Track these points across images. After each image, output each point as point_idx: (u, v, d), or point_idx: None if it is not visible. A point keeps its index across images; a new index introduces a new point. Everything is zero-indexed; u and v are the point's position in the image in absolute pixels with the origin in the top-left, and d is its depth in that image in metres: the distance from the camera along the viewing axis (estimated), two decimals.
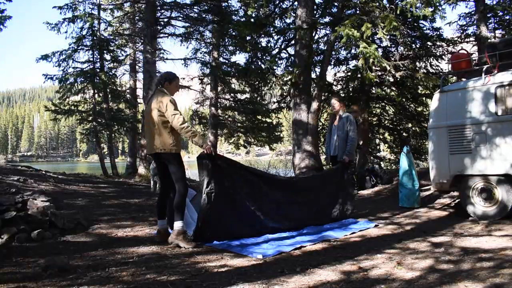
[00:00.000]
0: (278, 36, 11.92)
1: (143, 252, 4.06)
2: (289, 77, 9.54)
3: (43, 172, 10.90)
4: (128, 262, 3.67)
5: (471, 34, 13.61)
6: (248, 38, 11.45)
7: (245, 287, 3.00)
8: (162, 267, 3.51)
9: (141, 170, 12.75)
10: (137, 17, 15.41)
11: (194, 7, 13.62)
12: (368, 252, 3.94)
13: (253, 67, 12.19)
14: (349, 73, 11.82)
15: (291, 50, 11.90)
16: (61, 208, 5.71)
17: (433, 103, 6.10)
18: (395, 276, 3.13)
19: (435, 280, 3.01)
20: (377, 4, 8.81)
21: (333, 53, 11.32)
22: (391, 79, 11.39)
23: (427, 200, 7.28)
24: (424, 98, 12.28)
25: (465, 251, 3.82)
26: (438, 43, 11.82)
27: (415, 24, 10.98)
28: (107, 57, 15.45)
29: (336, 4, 10.80)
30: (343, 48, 9.69)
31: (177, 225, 4.27)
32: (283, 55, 12.33)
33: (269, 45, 12.25)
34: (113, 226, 5.37)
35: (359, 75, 10.75)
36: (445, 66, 11.91)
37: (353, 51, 10.91)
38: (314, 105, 9.71)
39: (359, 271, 3.34)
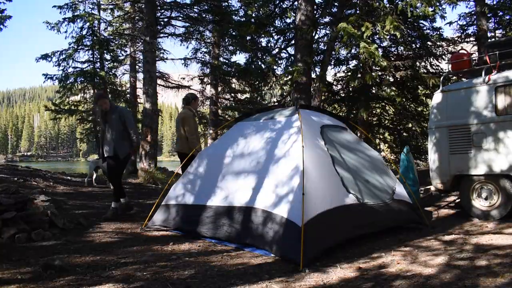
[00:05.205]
0: (278, 36, 11.92)
1: (143, 252, 4.06)
2: (289, 77, 9.53)
3: (43, 172, 10.90)
4: (127, 262, 3.67)
5: (471, 34, 13.61)
6: (248, 38, 11.44)
7: (245, 287, 3.00)
8: (162, 267, 3.51)
9: (142, 169, 12.73)
10: (137, 17, 15.41)
11: (194, 7, 13.60)
12: (376, 251, 3.96)
13: (253, 67, 12.19)
14: (349, 73, 11.81)
15: (291, 50, 11.90)
16: (61, 208, 5.71)
17: (433, 103, 6.10)
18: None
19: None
20: (378, 4, 8.81)
21: (333, 53, 11.32)
22: (391, 79, 11.39)
23: (427, 200, 7.27)
24: (424, 98, 12.28)
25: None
26: (438, 43, 11.82)
27: (415, 24, 10.98)
28: (107, 57, 15.45)
29: (336, 4, 10.80)
30: (343, 48, 9.67)
31: None
32: (283, 55, 12.34)
33: (269, 45, 12.26)
34: (113, 226, 5.37)
35: (359, 75, 10.74)
36: (445, 66, 11.90)
37: (353, 51, 10.90)
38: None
39: (362, 270, 3.34)
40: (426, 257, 3.63)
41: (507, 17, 13.35)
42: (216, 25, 13.57)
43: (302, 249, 3.47)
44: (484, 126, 5.43)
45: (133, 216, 6.15)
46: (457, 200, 6.63)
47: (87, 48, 14.83)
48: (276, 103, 13.86)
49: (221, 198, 4.64)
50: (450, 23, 13.95)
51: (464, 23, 13.91)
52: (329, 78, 12.82)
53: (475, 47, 12.91)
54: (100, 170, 10.27)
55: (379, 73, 10.90)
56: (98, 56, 15.04)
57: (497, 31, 14.16)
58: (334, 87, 13.15)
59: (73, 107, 15.32)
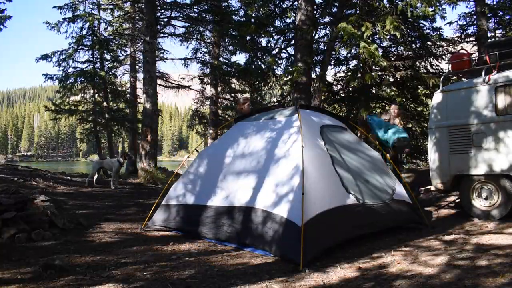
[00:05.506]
0: (278, 36, 11.91)
1: (143, 252, 4.06)
2: (289, 77, 9.53)
3: (43, 172, 10.90)
4: (127, 262, 3.67)
5: (471, 34, 13.60)
6: (248, 38, 11.44)
7: (245, 287, 3.00)
8: (162, 267, 3.51)
9: (142, 169, 12.74)
10: (137, 17, 15.42)
11: (194, 7, 13.61)
12: (375, 251, 3.96)
13: (253, 67, 12.18)
14: (349, 73, 11.81)
15: (291, 50, 11.89)
16: (61, 208, 5.71)
17: (433, 103, 6.10)
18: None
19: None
20: (378, 4, 8.81)
21: (333, 53, 11.31)
22: (391, 79, 11.39)
23: (427, 200, 7.27)
24: (424, 98, 12.27)
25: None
26: (438, 43, 11.81)
27: (415, 24, 10.98)
28: (107, 57, 15.46)
29: (336, 4, 10.80)
30: (343, 48, 9.66)
31: None
32: (283, 55, 12.33)
33: (269, 45, 12.25)
34: (113, 226, 5.37)
35: (359, 75, 10.74)
36: (445, 66, 11.89)
37: (353, 51, 10.90)
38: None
39: (362, 270, 3.34)
40: (426, 257, 3.63)
41: (507, 17, 13.33)
42: (216, 25, 13.57)
43: (302, 249, 3.47)
44: (484, 126, 5.43)
45: (133, 216, 6.15)
46: (457, 200, 6.62)
47: (87, 48, 14.83)
48: (276, 103, 13.85)
49: (221, 198, 4.64)
50: (450, 23, 13.94)
51: (464, 23, 13.90)
52: (329, 78, 12.81)
53: (475, 47, 12.89)
54: (101, 170, 10.27)
55: (379, 73, 10.89)
56: (98, 56, 15.04)
57: (497, 31, 14.14)
58: (334, 87, 13.13)
59: (73, 107, 15.32)
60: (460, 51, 6.82)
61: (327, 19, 11.77)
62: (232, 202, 4.50)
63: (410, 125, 12.42)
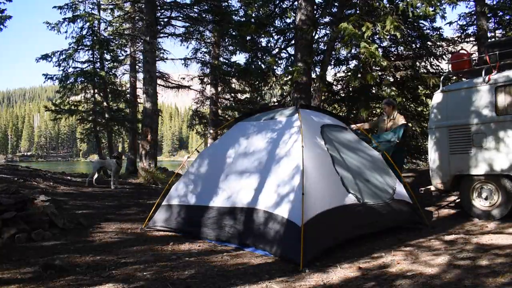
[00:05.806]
0: (278, 36, 11.91)
1: (143, 252, 4.06)
2: (289, 77, 9.53)
3: (43, 172, 10.89)
4: (128, 262, 3.67)
5: (471, 34, 13.61)
6: (248, 38, 11.44)
7: (245, 287, 3.00)
8: (162, 267, 3.51)
9: (142, 169, 12.73)
10: (137, 17, 15.41)
11: (194, 7, 13.61)
12: (376, 251, 3.96)
13: (253, 67, 12.17)
14: (349, 73, 11.81)
15: (291, 50, 11.90)
16: (61, 208, 5.71)
17: (433, 103, 6.10)
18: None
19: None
20: (378, 4, 8.81)
21: (333, 53, 11.31)
22: (391, 79, 11.38)
23: (427, 200, 7.27)
24: (424, 98, 12.27)
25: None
26: (438, 43, 11.81)
27: (415, 24, 10.98)
28: (107, 57, 15.46)
29: (336, 4, 10.80)
30: (343, 48, 9.66)
31: None
32: (283, 55, 12.33)
33: (269, 45, 12.25)
34: (113, 226, 5.37)
35: (359, 75, 10.74)
36: (445, 66, 11.89)
37: (353, 51, 10.90)
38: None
39: (363, 270, 3.34)
40: (427, 257, 3.63)
41: (507, 17, 13.33)
42: (216, 25, 13.57)
43: (302, 249, 3.47)
44: (484, 126, 5.43)
45: (133, 216, 6.15)
46: (457, 200, 6.62)
47: (87, 48, 14.83)
48: (276, 103, 13.84)
49: (223, 198, 4.64)
50: (450, 23, 13.94)
51: (464, 23, 13.90)
52: (329, 78, 12.81)
53: (475, 47, 12.90)
54: (101, 170, 10.26)
55: (379, 73, 10.89)
56: (98, 56, 15.04)
57: (497, 31, 14.15)
58: (334, 87, 13.12)
59: (73, 107, 15.32)
60: (460, 51, 6.82)
61: (327, 19, 11.77)
62: (234, 202, 4.50)
63: (410, 124, 12.46)
